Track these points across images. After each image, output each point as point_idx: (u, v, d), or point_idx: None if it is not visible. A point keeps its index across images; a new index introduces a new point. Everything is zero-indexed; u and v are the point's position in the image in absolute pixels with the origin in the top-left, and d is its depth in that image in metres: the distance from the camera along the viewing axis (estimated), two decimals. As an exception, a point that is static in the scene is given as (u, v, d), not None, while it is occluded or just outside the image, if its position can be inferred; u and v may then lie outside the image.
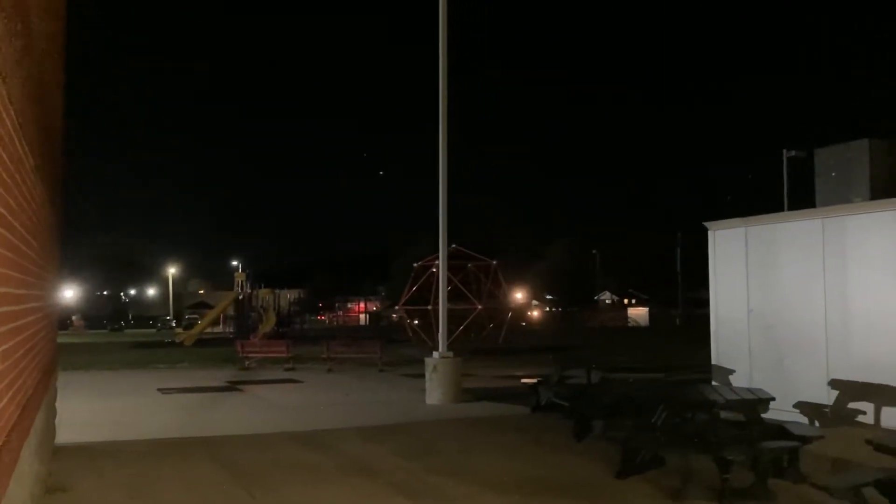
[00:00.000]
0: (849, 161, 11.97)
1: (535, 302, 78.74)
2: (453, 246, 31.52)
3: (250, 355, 24.49)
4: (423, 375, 15.46)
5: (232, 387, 18.90)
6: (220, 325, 54.41)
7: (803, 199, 13.14)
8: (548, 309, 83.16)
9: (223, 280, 71.68)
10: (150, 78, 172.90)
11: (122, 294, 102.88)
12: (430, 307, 34.22)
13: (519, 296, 38.57)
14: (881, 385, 10.55)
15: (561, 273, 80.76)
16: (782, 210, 13.37)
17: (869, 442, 6.33)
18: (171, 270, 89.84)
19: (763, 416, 9.19)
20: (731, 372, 12.79)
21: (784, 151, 14.63)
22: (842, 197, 11.93)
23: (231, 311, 48.69)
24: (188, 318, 66.74)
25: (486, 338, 36.08)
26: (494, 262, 38.07)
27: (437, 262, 19.61)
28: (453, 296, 33.34)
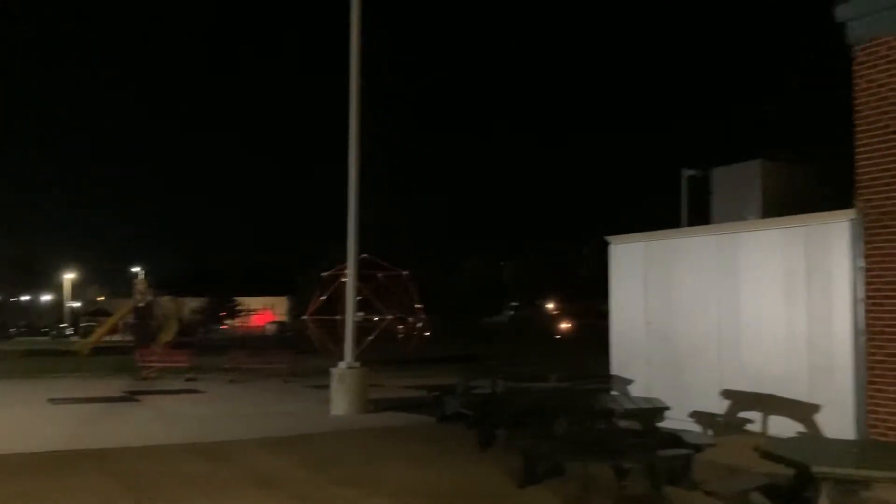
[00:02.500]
0: (742, 180, 12.55)
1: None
2: (364, 255, 31.38)
3: (150, 364, 23.70)
4: (329, 386, 15.30)
5: (129, 397, 18.24)
6: (119, 334, 52.42)
7: (701, 216, 13.69)
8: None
9: (124, 287, 69.06)
10: (50, 78, 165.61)
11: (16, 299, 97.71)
12: (338, 317, 33.91)
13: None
14: (768, 395, 11.09)
15: (471, 284, 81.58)
16: (680, 226, 13.87)
17: (756, 449, 6.63)
18: (68, 276, 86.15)
19: (659, 424, 9.50)
20: (630, 382, 13.17)
21: (683, 170, 15.20)
22: (735, 214, 12.49)
23: (131, 319, 47.03)
24: (85, 326, 64.04)
25: (396, 348, 36.01)
26: (406, 273, 38.04)
27: (346, 271, 19.46)
28: (363, 306, 33.18)
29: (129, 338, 48.86)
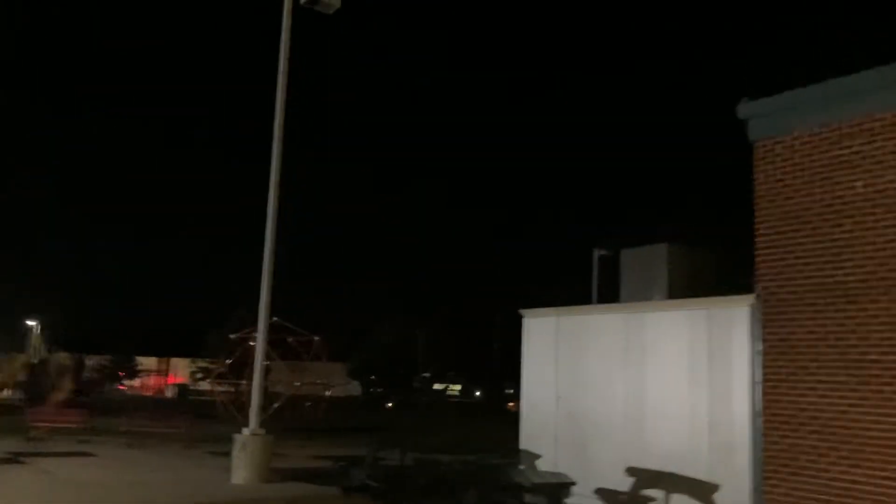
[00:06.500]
0: (650, 262, 13.03)
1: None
2: (275, 319, 30.79)
3: (40, 424, 22.39)
4: (230, 453, 14.77)
5: (13, 458, 17.14)
6: (10, 391, 49.48)
7: (612, 293, 14.10)
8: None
9: (17, 342, 65.47)
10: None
11: None
12: (244, 382, 33.01)
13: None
14: (671, 473, 11.32)
15: (383, 352, 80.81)
16: (591, 303, 14.24)
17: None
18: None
19: (566, 500, 9.56)
20: (538, 456, 13.21)
21: (594, 250, 15.72)
22: (642, 294, 12.92)
23: (23, 377, 44.54)
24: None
25: (304, 416, 35.13)
26: (318, 338, 37.40)
27: (255, 334, 19.05)
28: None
29: (19, 396, 46.22)
